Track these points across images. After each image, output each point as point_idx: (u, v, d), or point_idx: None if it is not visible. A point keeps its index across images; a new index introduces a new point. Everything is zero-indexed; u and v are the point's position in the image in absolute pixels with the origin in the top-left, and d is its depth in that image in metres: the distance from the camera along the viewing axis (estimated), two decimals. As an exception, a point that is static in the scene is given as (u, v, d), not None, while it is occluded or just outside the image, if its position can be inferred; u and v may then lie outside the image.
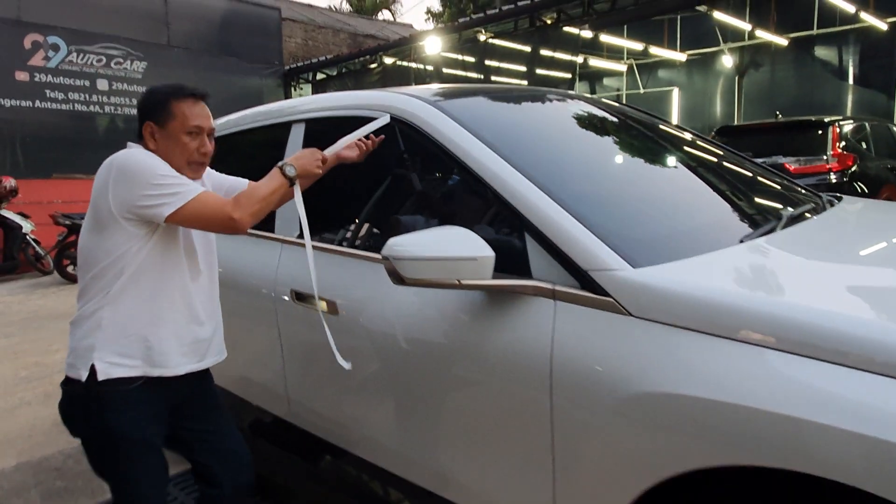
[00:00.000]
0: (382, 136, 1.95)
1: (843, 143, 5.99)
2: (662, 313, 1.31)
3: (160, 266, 1.60)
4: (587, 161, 1.95)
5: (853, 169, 5.89)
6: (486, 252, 1.50)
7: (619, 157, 2.08)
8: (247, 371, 2.52)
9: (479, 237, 1.53)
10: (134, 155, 1.57)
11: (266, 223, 2.29)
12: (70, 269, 7.93)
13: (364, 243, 2.08)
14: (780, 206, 2.03)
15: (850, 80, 11.53)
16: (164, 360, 1.60)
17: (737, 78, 12.62)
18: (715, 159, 2.28)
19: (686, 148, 2.32)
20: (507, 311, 1.55)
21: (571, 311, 1.45)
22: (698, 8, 9.53)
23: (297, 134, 2.38)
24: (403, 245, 1.51)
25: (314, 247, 2.13)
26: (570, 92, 2.55)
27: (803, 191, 2.33)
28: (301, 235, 2.25)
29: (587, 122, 2.20)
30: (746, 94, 12.66)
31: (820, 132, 6.06)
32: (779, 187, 2.26)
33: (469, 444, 1.64)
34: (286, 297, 2.17)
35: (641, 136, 2.26)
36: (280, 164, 1.65)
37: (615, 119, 2.30)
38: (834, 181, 5.71)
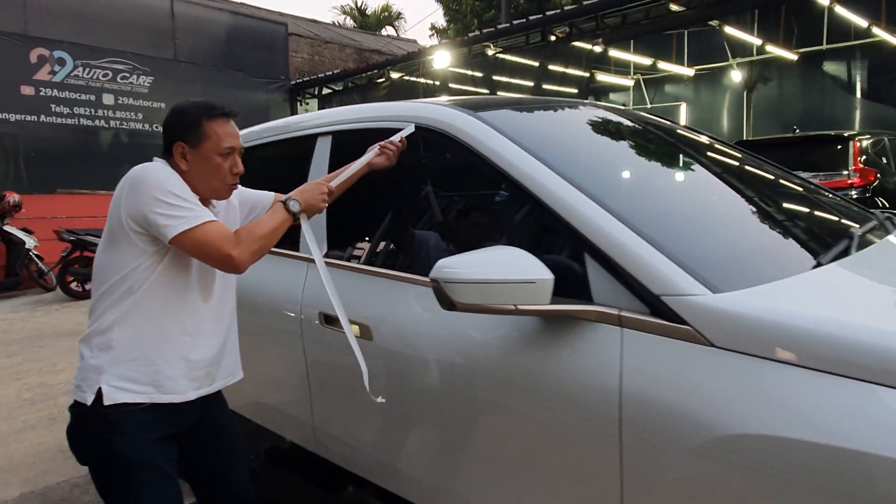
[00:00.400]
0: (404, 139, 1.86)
1: (864, 158, 5.88)
2: (751, 344, 1.18)
3: (171, 286, 1.54)
4: (646, 177, 1.83)
5: (875, 184, 5.78)
6: (544, 274, 1.38)
7: (679, 174, 1.96)
8: (267, 397, 2.38)
9: (536, 258, 1.41)
10: (151, 168, 1.52)
11: (290, 240, 2.17)
12: (74, 285, 7.80)
13: (399, 262, 1.95)
14: (846, 225, 1.91)
15: (861, 96, 11.46)
16: (173, 386, 1.54)
17: (745, 93, 12.55)
18: (772, 177, 2.15)
19: (743, 165, 2.19)
20: (565, 338, 1.43)
21: (641, 339, 1.32)
22: (710, 23, 9.48)
23: (323, 147, 2.27)
24: (454, 267, 1.39)
25: (345, 266, 2.01)
26: (607, 104, 2.43)
27: (858, 208, 2.22)
28: (329, 254, 2.14)
29: (637, 135, 2.09)
30: (755, 109, 12.58)
31: (840, 147, 5.95)
32: (837, 205, 2.14)
33: (524, 484, 1.50)
34: (314, 320, 2.04)
35: (694, 151, 2.14)
36: (284, 198, 1.60)
37: (664, 133, 2.18)
38: (855, 197, 5.59)
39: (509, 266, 1.39)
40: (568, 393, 1.39)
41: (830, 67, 11.82)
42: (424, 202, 2.00)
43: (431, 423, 1.72)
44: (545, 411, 1.43)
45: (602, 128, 2.07)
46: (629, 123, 2.16)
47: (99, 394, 1.47)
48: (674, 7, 7.88)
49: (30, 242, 8.04)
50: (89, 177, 9.92)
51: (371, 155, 1.82)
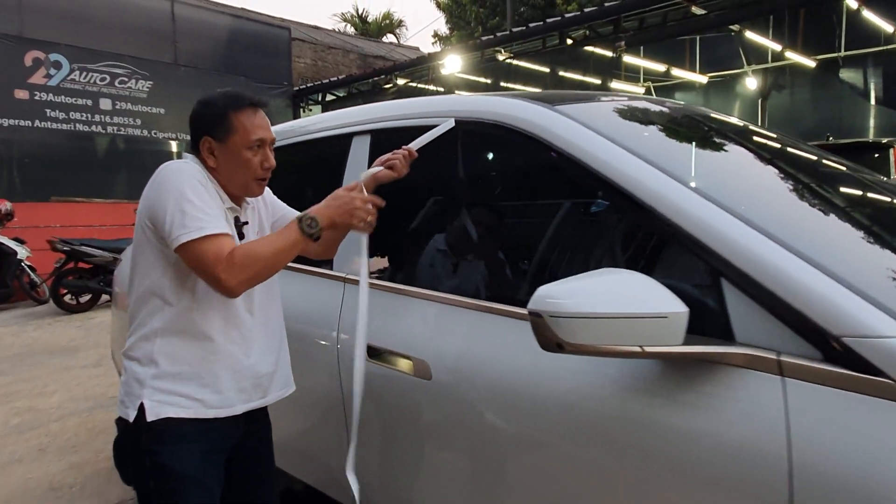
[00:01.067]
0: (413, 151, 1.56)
1: (904, 165, 5.62)
2: None
3: (209, 297, 1.42)
4: (784, 189, 1.52)
5: (917, 193, 5.50)
6: (677, 307, 1.08)
7: (821, 186, 1.64)
8: (292, 436, 2.05)
9: (662, 285, 1.11)
10: (176, 168, 1.41)
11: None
12: (67, 298, 7.47)
13: (467, 285, 1.63)
14: None
15: (880, 103, 11.20)
16: (220, 400, 1.44)
17: (760, 101, 12.27)
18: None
19: (873, 175, 1.89)
20: (701, 387, 1.12)
21: (815, 394, 1.01)
22: (731, 27, 9.23)
23: (360, 148, 1.96)
24: (561, 297, 1.09)
25: (392, 289, 1.70)
26: (696, 107, 2.11)
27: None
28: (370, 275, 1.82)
29: (746, 139, 1.78)
30: (770, 117, 12.30)
31: (877, 154, 5.69)
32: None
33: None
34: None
35: (819, 160, 1.84)
36: (301, 214, 1.38)
37: (770, 138, 1.88)
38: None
39: (631, 296, 1.09)
40: (710, 460, 1.08)
41: (848, 74, 11.56)
42: (490, 212, 1.68)
43: (505, 483, 1.40)
44: (677, 481, 1.12)
45: (703, 128, 1.76)
46: (729, 124, 1.86)
47: (141, 409, 1.38)
48: (695, 10, 7.60)
49: (22, 253, 7.69)
50: (85, 184, 9.60)
51: (373, 171, 1.55)
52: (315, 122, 2.26)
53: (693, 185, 1.25)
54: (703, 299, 1.18)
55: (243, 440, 1.54)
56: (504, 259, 1.60)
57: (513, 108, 1.57)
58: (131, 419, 1.39)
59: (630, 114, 1.74)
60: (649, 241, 1.34)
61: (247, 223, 1.51)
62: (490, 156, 1.69)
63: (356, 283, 1.81)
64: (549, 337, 1.10)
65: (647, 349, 1.08)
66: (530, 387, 1.32)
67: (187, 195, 1.34)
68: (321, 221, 1.36)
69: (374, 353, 1.69)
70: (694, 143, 1.62)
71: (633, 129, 1.57)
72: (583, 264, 1.44)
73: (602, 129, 1.43)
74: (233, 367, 1.45)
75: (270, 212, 1.64)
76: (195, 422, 1.41)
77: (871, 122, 11.26)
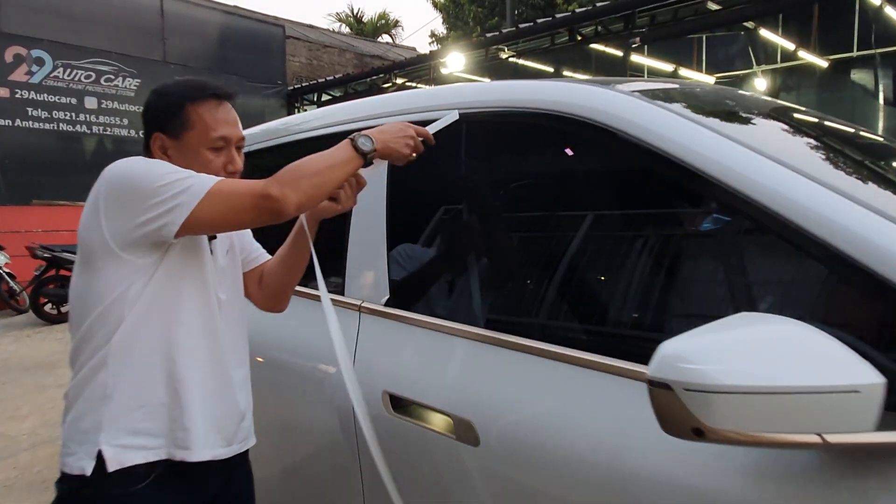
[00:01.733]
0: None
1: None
2: None
3: (177, 305, 1.18)
4: None
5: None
6: (870, 376, 0.75)
7: None
8: (297, 500, 1.70)
9: (841, 342, 0.77)
10: (130, 163, 1.15)
11: (332, 280, 1.53)
12: (48, 308, 7.08)
13: (531, 323, 1.28)
14: None
15: (891, 104, 10.88)
16: (188, 439, 1.18)
17: (768, 102, 11.94)
18: None
19: None
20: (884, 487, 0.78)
21: None
22: (746, 24, 8.92)
23: (377, 147, 1.61)
24: (701, 360, 0.76)
25: (431, 325, 1.35)
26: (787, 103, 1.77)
27: None
28: (401, 304, 1.47)
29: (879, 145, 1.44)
30: (780, 119, 11.93)
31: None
32: None
33: None
34: (375, 403, 1.37)
35: None
36: (353, 135, 1.17)
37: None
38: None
39: (801, 359, 0.76)
40: None
41: (861, 76, 11.24)
42: (558, 229, 1.33)
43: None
44: None
45: (824, 128, 1.42)
46: (834, 120, 1.53)
47: (100, 459, 1.12)
48: (710, 5, 7.30)
49: (0, 259, 7.28)
50: (68, 187, 9.15)
51: (443, 123, 1.31)
52: (315, 118, 1.91)
53: (862, 200, 0.90)
54: (881, 360, 0.84)
55: (219, 493, 1.30)
56: (582, 290, 1.24)
57: (585, 96, 1.23)
58: (88, 473, 1.12)
59: (732, 106, 1.40)
60: (792, 274, 1.00)
61: (215, 237, 1.28)
62: (549, 157, 1.34)
63: (375, 312, 1.47)
64: (681, 418, 0.76)
65: (831, 439, 0.74)
66: (642, 469, 0.97)
67: (161, 171, 1.11)
68: (375, 143, 1.17)
69: (398, 404, 1.34)
70: (831, 147, 1.28)
71: (749, 126, 1.22)
72: (696, 303, 1.10)
73: (713, 125, 1.10)
74: (203, 398, 1.21)
75: (238, 238, 1.39)
76: (164, 473, 1.18)
77: (886, 124, 10.91)
